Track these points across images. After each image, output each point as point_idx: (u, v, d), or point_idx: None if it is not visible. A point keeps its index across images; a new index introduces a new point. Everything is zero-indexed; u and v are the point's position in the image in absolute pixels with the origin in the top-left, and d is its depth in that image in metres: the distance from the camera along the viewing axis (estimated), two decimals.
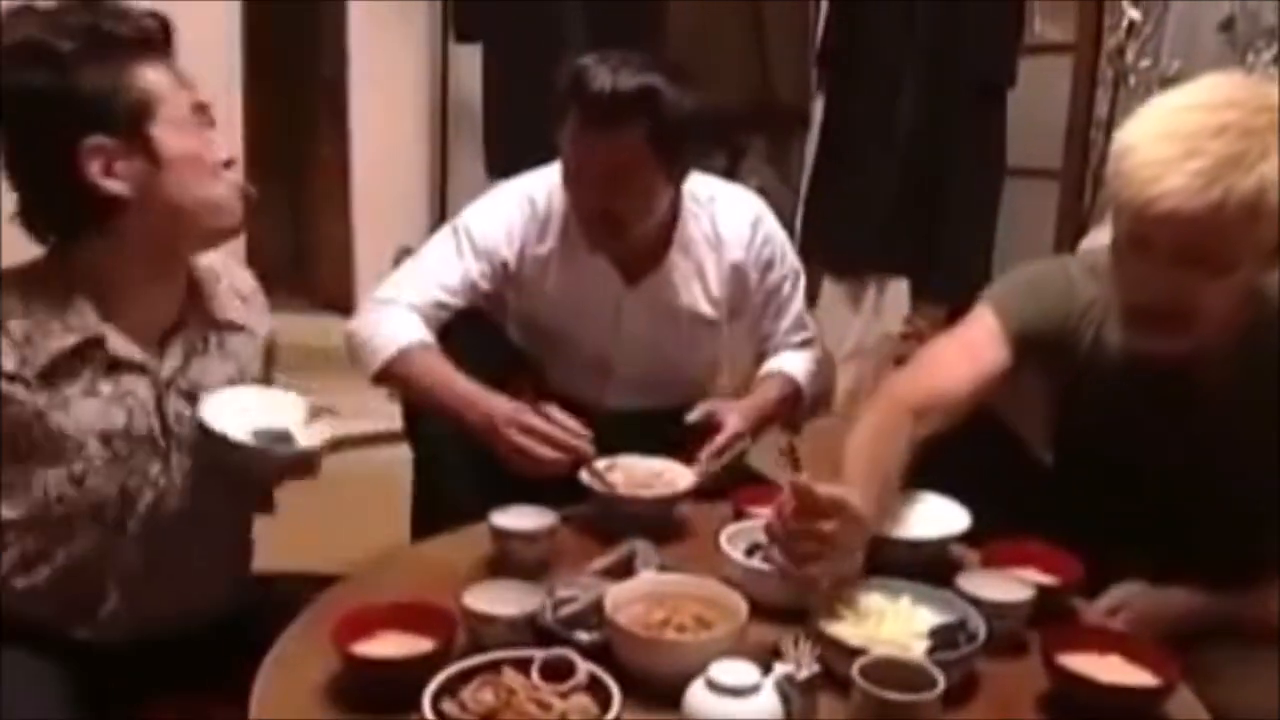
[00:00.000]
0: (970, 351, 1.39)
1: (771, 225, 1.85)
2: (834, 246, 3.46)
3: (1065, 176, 3.17)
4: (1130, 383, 1.37)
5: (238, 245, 2.62)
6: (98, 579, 1.26)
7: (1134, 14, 3.02)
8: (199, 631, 1.31)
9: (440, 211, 3.51)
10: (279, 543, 1.66)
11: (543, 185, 1.77)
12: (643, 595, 1.14)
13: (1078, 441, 1.48)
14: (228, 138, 1.31)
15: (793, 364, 1.90)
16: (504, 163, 3.08)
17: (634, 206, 1.65)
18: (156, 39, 1.24)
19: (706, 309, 1.81)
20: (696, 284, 1.79)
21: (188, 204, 1.24)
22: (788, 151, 3.58)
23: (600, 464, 1.48)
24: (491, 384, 1.60)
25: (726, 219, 1.80)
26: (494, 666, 1.00)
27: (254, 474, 1.34)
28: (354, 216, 3.71)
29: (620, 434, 1.56)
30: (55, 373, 1.20)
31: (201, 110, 1.25)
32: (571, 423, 1.52)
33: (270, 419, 1.32)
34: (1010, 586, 1.18)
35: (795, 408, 1.92)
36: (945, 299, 3.24)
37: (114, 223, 1.22)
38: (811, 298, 3.65)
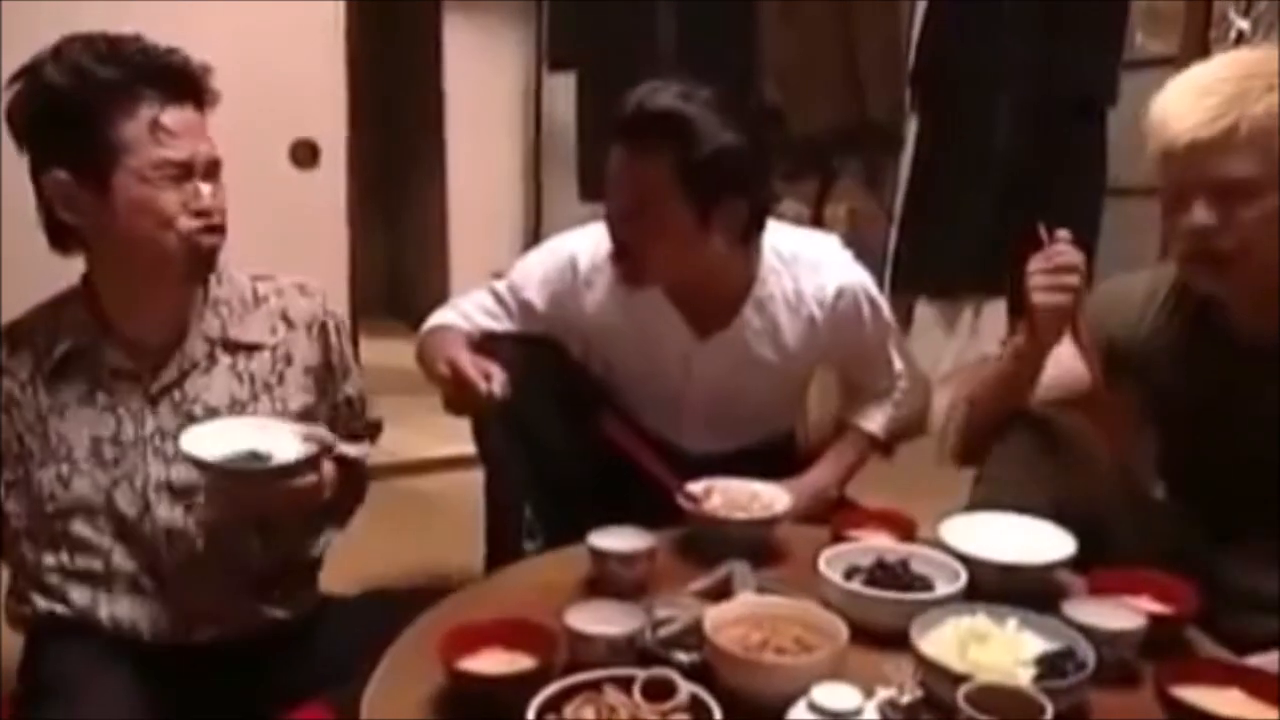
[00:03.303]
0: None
1: (859, 291, 1.73)
2: (929, 268, 3.42)
3: None
4: (1185, 375, 1.43)
5: (341, 268, 2.75)
6: (132, 584, 1.32)
7: (1242, 24, 2.93)
8: (257, 642, 1.37)
9: (534, 237, 3.57)
10: (361, 561, 1.72)
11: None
12: (742, 617, 1.13)
13: (1172, 463, 1.49)
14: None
15: (871, 419, 1.89)
16: (597, 189, 3.11)
17: (654, 245, 1.58)
18: (184, 82, 1.28)
19: (781, 363, 1.75)
20: (769, 342, 1.73)
21: (135, 248, 1.29)
22: (881, 173, 3.56)
23: (697, 487, 1.49)
24: (574, 419, 1.62)
25: (811, 282, 1.71)
26: (596, 685, 1.01)
27: (238, 496, 1.29)
28: (450, 242, 3.80)
29: (703, 478, 1.52)
30: (57, 378, 1.30)
31: (185, 165, 1.27)
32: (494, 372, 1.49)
33: (254, 444, 1.28)
34: (1121, 615, 1.15)
35: (872, 455, 1.93)
36: None
37: (84, 246, 1.32)
38: (906, 319, 3.61)
